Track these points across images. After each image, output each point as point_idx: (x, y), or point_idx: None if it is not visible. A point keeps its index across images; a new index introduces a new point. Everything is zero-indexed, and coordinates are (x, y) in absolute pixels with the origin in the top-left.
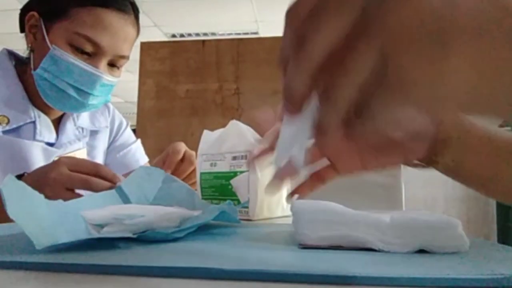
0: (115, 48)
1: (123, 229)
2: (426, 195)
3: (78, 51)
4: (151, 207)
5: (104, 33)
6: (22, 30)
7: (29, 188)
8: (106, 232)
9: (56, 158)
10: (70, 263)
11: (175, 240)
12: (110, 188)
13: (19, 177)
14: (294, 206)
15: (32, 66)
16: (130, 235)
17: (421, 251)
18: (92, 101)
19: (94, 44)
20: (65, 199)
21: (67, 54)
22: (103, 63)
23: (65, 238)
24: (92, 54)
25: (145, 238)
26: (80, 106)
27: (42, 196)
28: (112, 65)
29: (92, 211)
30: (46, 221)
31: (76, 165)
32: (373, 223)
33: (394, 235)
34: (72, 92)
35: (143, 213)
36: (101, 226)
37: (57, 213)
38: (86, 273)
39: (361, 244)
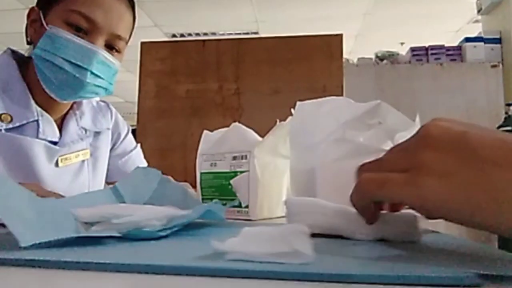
0: (110, 25)
1: (111, 228)
2: None
3: (73, 27)
4: (140, 207)
5: (98, 9)
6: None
7: (19, 186)
8: (94, 231)
9: (60, 158)
10: (54, 260)
11: (160, 238)
12: None
13: None
14: (287, 201)
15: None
16: (116, 234)
17: (383, 239)
18: (91, 80)
19: (89, 20)
20: None
21: (63, 31)
22: (100, 41)
23: (52, 235)
24: (88, 32)
25: (130, 236)
26: (79, 85)
27: (33, 194)
28: (110, 47)
29: (83, 209)
30: (34, 218)
31: None
32: (347, 216)
33: (361, 225)
34: (69, 68)
35: (131, 212)
36: (91, 224)
37: (47, 211)
38: (69, 270)
39: (335, 232)
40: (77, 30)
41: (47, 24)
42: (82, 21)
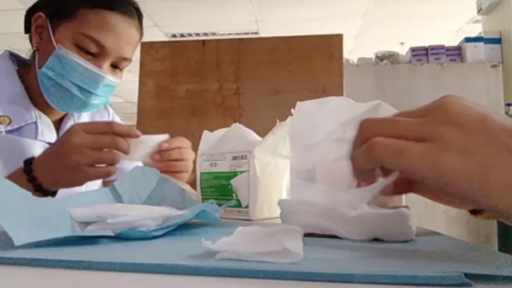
0: (119, 49)
1: (106, 228)
2: None
3: (83, 51)
4: (136, 207)
5: (109, 34)
6: (26, 31)
7: (15, 186)
8: (88, 231)
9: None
10: (48, 258)
11: (154, 238)
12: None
13: (29, 162)
14: (280, 202)
15: (36, 65)
16: (111, 233)
17: (376, 239)
18: (94, 101)
19: (99, 45)
20: (95, 161)
21: (72, 53)
22: (107, 64)
23: (47, 235)
24: (96, 54)
25: (124, 236)
26: (83, 105)
27: (29, 193)
28: (114, 66)
29: (79, 208)
30: (29, 218)
31: (91, 127)
32: (340, 216)
33: (355, 225)
34: (75, 91)
35: (127, 212)
36: (87, 223)
37: (42, 210)
38: (63, 269)
39: (328, 231)
40: (86, 53)
41: (56, 42)
42: (92, 45)
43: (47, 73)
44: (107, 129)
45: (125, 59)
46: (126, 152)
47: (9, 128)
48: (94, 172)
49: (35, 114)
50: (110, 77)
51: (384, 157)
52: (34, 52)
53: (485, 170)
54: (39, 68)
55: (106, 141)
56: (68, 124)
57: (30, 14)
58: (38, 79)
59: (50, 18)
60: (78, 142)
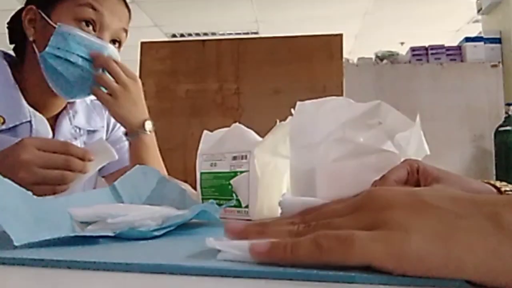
0: (114, 20)
1: (106, 228)
2: None
3: (83, 23)
4: (136, 207)
5: (103, 3)
6: (11, 41)
7: (15, 186)
8: (88, 231)
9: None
10: (48, 259)
11: (154, 238)
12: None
13: None
14: (282, 201)
15: (37, 52)
16: (110, 233)
17: None
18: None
19: (98, 12)
20: (41, 180)
21: (74, 28)
22: (107, 37)
23: (47, 235)
24: (96, 27)
25: (124, 236)
26: (91, 80)
27: (29, 193)
28: (113, 41)
29: (79, 208)
30: (29, 217)
31: (44, 144)
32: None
33: None
34: (82, 63)
35: (126, 212)
36: (87, 223)
37: (42, 210)
38: (63, 269)
39: None
40: (87, 25)
41: (55, 23)
42: (92, 13)
43: (52, 52)
44: (62, 150)
45: (123, 29)
46: (82, 171)
47: (3, 127)
48: (39, 191)
49: (30, 113)
50: (112, 48)
51: (333, 253)
52: (25, 47)
53: (446, 243)
54: (40, 52)
55: (58, 160)
56: (64, 121)
57: (14, 22)
58: (41, 65)
59: (42, 8)
60: (26, 158)
